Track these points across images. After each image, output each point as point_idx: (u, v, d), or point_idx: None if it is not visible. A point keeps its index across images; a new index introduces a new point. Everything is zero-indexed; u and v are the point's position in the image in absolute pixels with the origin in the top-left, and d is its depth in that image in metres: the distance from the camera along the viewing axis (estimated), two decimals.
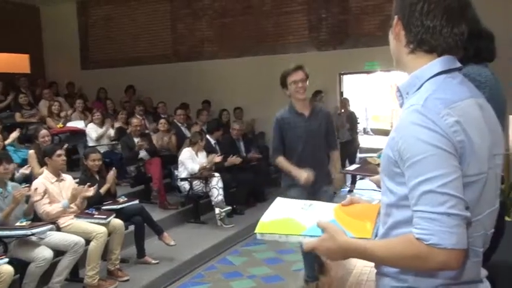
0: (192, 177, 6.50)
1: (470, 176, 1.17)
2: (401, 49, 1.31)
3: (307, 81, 3.90)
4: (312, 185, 3.80)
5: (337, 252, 1.27)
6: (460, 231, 1.10)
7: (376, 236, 1.35)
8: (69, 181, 4.79)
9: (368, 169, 2.58)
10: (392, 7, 1.33)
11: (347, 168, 2.84)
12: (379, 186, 1.39)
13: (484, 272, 1.31)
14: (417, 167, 1.14)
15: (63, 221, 4.46)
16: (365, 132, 13.03)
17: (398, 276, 1.26)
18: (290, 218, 1.44)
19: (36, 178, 4.70)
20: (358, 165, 2.78)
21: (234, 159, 7.08)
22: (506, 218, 3.86)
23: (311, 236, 1.34)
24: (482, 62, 2.04)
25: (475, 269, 1.25)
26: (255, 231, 1.43)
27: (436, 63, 1.25)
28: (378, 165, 1.68)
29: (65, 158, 4.74)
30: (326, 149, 4.11)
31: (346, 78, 9.90)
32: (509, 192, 4.28)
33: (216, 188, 6.35)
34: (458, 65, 1.27)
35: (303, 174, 3.75)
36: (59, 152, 4.69)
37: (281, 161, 3.97)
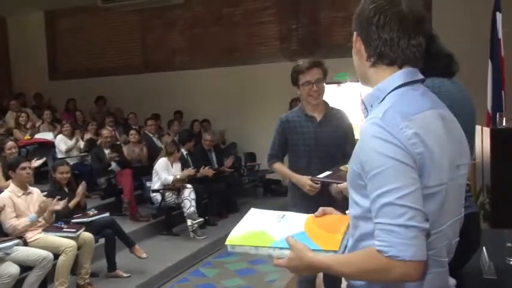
0: (164, 189, 6.43)
1: (431, 187, 1.18)
2: (363, 64, 1.33)
3: (325, 81, 3.14)
4: (322, 196, 2.96)
5: (305, 269, 1.32)
6: (418, 243, 1.11)
7: (345, 247, 1.37)
8: (36, 194, 4.67)
9: (339, 176, 2.60)
10: (352, 25, 1.35)
11: (318, 176, 2.77)
12: (346, 194, 1.41)
13: (452, 281, 1.32)
14: (376, 180, 1.15)
15: (30, 236, 4.34)
16: None
17: None
18: (261, 231, 1.46)
19: (2, 192, 4.57)
20: (329, 172, 2.79)
21: (206, 171, 7.04)
22: None
23: (280, 248, 1.37)
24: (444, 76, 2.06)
25: (441, 278, 1.27)
26: (226, 243, 1.44)
27: (398, 76, 1.26)
28: None
29: (29, 171, 4.60)
30: (340, 163, 2.93)
31: None
32: (477, 200, 4.38)
33: (188, 199, 6.30)
34: (420, 76, 1.29)
35: (307, 181, 3.02)
36: (23, 164, 4.56)
37: (279, 167, 3.31)
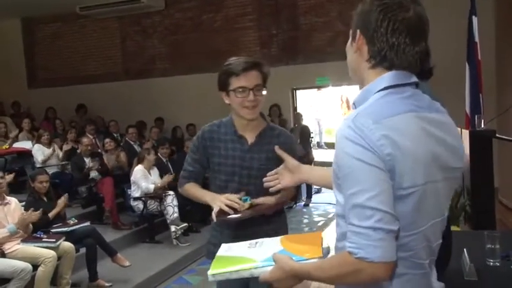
0: (146, 196, 6.37)
1: (405, 189, 1.18)
2: (361, 63, 1.31)
3: (265, 90, 2.29)
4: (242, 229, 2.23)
5: (288, 279, 1.32)
6: (385, 245, 1.13)
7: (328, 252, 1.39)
8: (14, 204, 4.59)
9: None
10: (353, 20, 1.32)
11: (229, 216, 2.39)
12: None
13: (438, 285, 1.32)
14: (346, 181, 1.18)
15: (8, 247, 4.26)
16: (319, 146, 13.21)
17: None
18: (240, 256, 1.50)
19: None
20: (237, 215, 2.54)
21: None
22: (455, 228, 3.97)
23: (262, 266, 1.39)
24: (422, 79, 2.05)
25: (421, 281, 1.27)
26: (208, 273, 1.46)
27: (384, 78, 1.26)
28: None
29: (2, 181, 4.51)
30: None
31: (299, 94, 10.05)
32: (457, 202, 4.41)
33: (171, 205, 6.25)
34: (412, 80, 1.27)
35: (217, 202, 2.14)
36: None
37: (189, 188, 2.41)
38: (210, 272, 1.46)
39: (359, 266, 1.14)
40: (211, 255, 1.99)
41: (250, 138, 2.34)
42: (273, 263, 1.36)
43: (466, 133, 4.17)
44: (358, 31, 1.29)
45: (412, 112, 1.22)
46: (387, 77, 1.25)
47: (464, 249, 2.31)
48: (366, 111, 1.20)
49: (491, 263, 2.28)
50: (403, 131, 1.18)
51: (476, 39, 5.34)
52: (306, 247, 1.42)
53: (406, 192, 1.18)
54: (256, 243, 1.59)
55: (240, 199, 2.13)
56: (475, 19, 5.33)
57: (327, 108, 13.27)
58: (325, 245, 1.45)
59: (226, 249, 1.61)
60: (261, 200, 2.18)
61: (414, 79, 1.28)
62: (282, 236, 1.59)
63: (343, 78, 8.84)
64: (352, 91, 11.70)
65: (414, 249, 1.23)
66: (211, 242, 2.42)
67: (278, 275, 1.33)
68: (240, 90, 2.23)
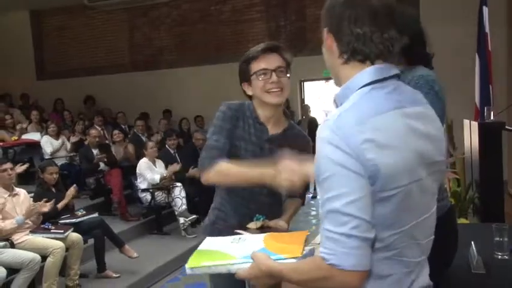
0: (153, 188, 6.39)
1: (386, 191, 1.14)
2: (335, 61, 1.27)
3: (289, 73, 2.06)
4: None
5: (264, 277, 1.31)
6: (360, 253, 1.10)
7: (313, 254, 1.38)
8: (23, 195, 4.61)
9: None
10: (321, 21, 1.30)
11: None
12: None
13: (427, 281, 1.29)
14: (324, 185, 1.14)
15: (17, 237, 4.28)
16: None
17: None
18: (219, 251, 1.50)
19: None
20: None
21: (194, 172, 6.91)
22: (463, 221, 3.95)
23: (240, 263, 1.39)
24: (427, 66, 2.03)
25: (407, 280, 1.23)
26: (186, 266, 1.46)
27: (365, 73, 1.22)
28: None
29: (11, 172, 4.51)
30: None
31: (306, 85, 10.02)
32: (466, 194, 4.39)
33: (179, 197, 6.27)
34: (393, 72, 1.24)
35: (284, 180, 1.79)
36: (4, 166, 4.46)
37: (229, 169, 1.95)
38: (187, 266, 1.45)
39: (330, 273, 1.12)
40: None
41: (273, 129, 2.11)
42: (251, 261, 1.35)
43: (475, 125, 4.13)
44: (325, 30, 1.27)
45: (396, 109, 1.19)
46: (367, 73, 1.22)
47: (472, 242, 2.30)
48: (349, 111, 1.16)
49: (500, 256, 2.27)
50: (388, 132, 1.15)
51: (487, 29, 5.29)
52: (287, 246, 1.41)
53: (388, 194, 1.14)
54: (240, 238, 1.58)
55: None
56: (485, 9, 5.27)
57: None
58: (309, 246, 1.44)
59: (208, 244, 1.60)
60: (272, 223, 1.99)
61: (395, 71, 1.25)
62: (266, 234, 1.58)
63: None
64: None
65: (398, 247, 1.19)
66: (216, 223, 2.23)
67: (255, 273, 1.32)
68: (262, 72, 2.02)
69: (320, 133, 1.16)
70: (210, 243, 1.60)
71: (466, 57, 5.84)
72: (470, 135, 4.26)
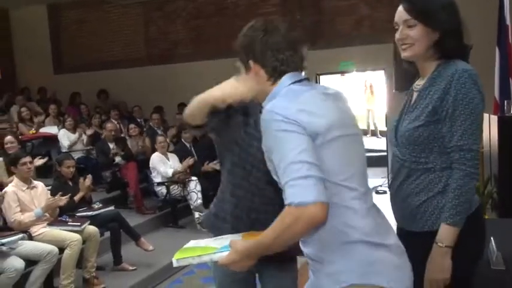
0: (168, 181, 6.42)
1: (326, 138, 1.41)
2: (264, 84, 1.58)
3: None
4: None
5: (241, 260, 1.47)
6: (317, 188, 1.31)
7: None
8: (41, 188, 4.67)
9: None
10: (240, 54, 1.63)
11: None
12: None
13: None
14: (276, 151, 1.39)
15: (35, 230, 4.34)
16: (373, 134, 13.19)
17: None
18: (203, 246, 1.67)
19: (6, 186, 4.56)
20: None
21: (208, 167, 6.93)
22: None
23: (221, 252, 1.53)
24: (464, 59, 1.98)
25: (353, 221, 1.44)
26: (173, 259, 1.60)
27: (286, 78, 1.56)
28: None
29: (30, 166, 4.55)
30: None
31: (323, 79, 9.95)
32: (484, 189, 4.33)
33: (195, 191, 6.30)
34: (303, 76, 1.59)
35: None
36: (23, 160, 4.51)
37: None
38: (174, 258, 1.60)
39: (298, 212, 1.29)
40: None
41: None
42: (230, 249, 1.49)
43: (494, 119, 4.06)
44: (250, 62, 1.59)
45: (313, 90, 1.53)
46: (286, 79, 1.55)
47: (492, 238, 2.26)
48: (280, 98, 1.49)
49: None
50: (313, 103, 1.47)
51: (508, 21, 5.18)
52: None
53: (328, 138, 1.41)
54: (221, 238, 1.73)
55: None
56: (506, 1, 5.17)
57: (351, 94, 13.16)
58: None
59: (193, 243, 1.74)
60: None
61: (304, 76, 1.60)
62: (246, 232, 1.73)
63: (367, 63, 8.71)
64: (376, 76, 11.55)
65: (345, 198, 1.43)
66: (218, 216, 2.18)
67: (233, 257, 1.47)
68: None
69: (265, 119, 1.43)
70: (195, 242, 1.75)
71: (485, 50, 5.73)
72: (490, 129, 4.19)
